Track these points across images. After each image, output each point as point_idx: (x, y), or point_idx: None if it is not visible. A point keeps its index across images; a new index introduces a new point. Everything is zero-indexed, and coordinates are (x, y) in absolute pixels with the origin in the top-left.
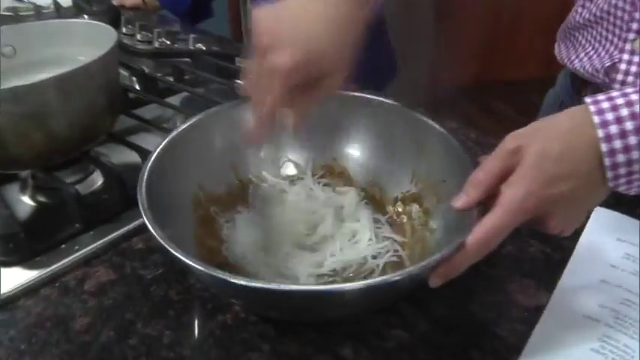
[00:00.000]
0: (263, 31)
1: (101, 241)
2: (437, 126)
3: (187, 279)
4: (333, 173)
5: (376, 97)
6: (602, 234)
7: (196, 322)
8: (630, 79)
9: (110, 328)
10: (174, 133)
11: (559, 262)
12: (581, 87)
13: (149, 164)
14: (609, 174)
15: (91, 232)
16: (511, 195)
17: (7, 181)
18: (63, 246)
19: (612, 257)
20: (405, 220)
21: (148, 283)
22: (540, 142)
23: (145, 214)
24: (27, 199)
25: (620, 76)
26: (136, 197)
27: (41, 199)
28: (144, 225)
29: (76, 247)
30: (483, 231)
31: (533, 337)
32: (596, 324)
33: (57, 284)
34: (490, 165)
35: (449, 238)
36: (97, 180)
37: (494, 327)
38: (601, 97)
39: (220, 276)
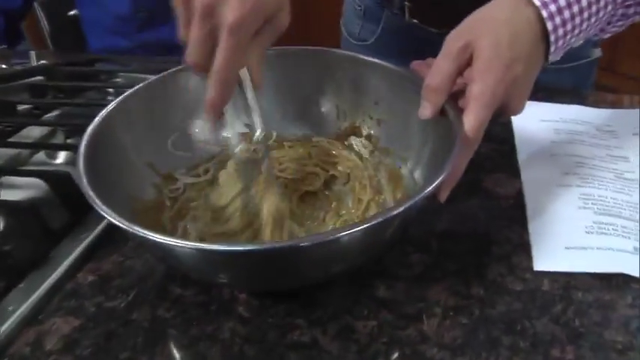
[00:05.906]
0: None
1: None
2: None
3: None
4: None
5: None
6: (526, 121)
7: None
8: None
9: None
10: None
11: (510, 151)
12: None
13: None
14: (552, 37)
15: None
16: (481, 88)
17: None
18: None
19: (546, 136)
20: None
21: None
22: (490, 33)
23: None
24: None
25: None
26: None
27: None
28: None
29: None
30: (471, 128)
31: (529, 210)
32: (574, 189)
33: None
34: (444, 67)
35: (407, 145)
36: None
37: (496, 220)
38: None
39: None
